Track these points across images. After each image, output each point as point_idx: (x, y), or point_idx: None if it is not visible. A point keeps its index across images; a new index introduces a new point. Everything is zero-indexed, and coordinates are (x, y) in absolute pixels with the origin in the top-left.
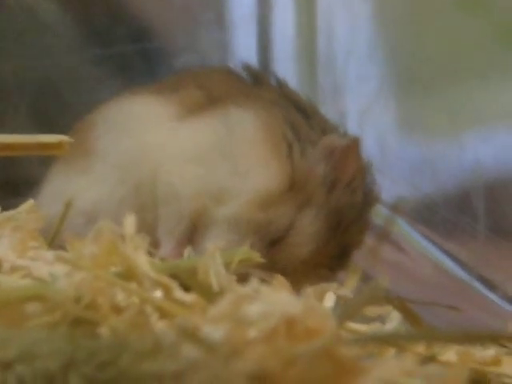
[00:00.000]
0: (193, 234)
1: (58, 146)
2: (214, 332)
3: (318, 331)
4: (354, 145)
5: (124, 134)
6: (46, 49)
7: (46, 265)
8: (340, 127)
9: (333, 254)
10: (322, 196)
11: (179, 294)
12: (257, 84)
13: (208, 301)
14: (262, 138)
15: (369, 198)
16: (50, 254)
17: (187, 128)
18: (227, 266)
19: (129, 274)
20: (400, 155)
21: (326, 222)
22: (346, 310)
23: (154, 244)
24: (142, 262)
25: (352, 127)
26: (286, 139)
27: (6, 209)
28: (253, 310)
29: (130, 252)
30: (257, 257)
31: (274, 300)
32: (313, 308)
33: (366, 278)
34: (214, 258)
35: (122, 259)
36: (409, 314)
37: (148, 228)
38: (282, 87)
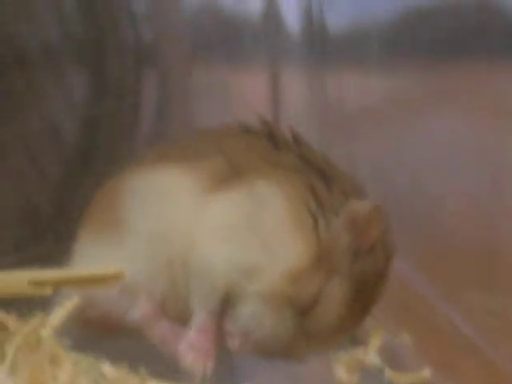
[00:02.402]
0: (225, 305)
1: (116, 276)
2: None
3: None
4: (375, 212)
5: (153, 209)
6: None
7: None
8: (358, 182)
9: (357, 313)
10: (346, 264)
11: None
12: (276, 146)
13: None
14: (287, 213)
15: (389, 256)
16: None
17: (215, 204)
18: None
19: None
20: None
21: (351, 287)
22: None
23: (187, 315)
24: None
25: None
26: (310, 212)
27: None
28: None
29: None
30: None
31: None
32: None
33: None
34: None
35: None
36: None
37: (180, 300)
38: (299, 146)
